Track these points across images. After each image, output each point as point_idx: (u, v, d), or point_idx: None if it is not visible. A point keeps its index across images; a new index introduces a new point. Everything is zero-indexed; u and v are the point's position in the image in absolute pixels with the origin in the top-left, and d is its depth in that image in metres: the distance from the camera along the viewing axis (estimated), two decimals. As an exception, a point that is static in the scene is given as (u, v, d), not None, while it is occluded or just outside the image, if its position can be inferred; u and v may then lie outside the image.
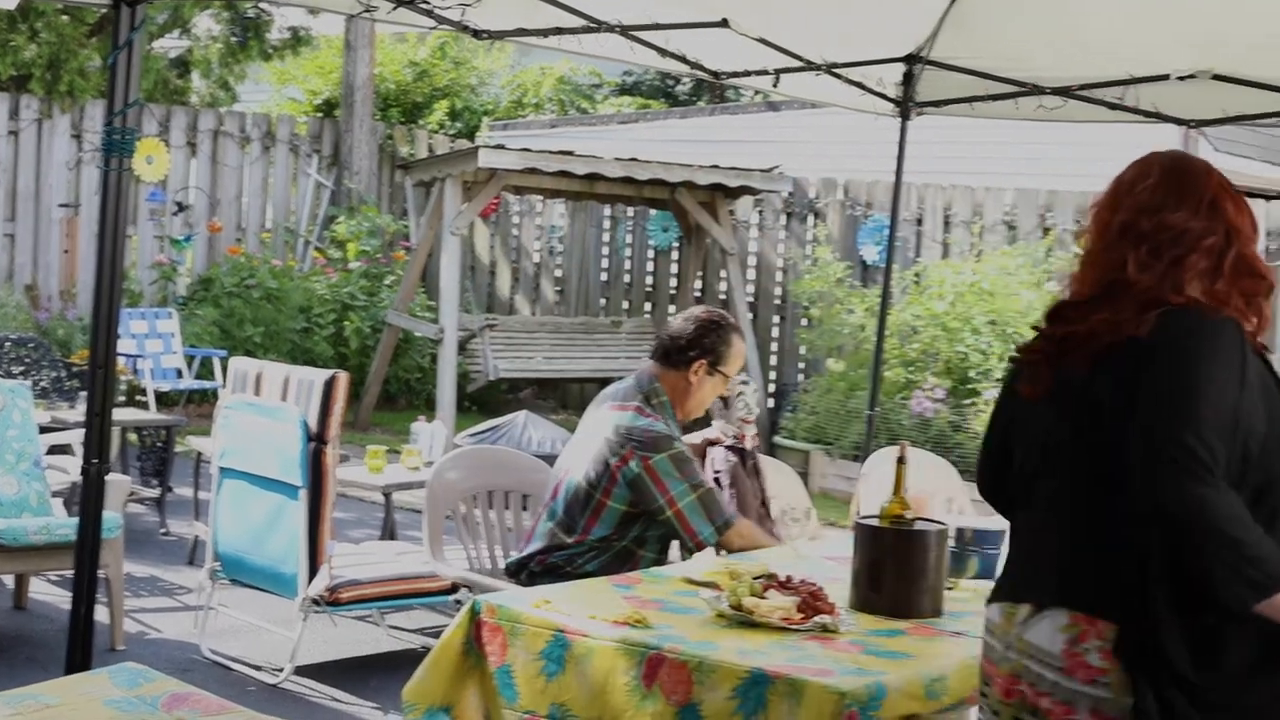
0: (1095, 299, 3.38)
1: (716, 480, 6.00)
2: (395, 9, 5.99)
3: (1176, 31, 6.91)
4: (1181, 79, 7.13)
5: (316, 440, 6.99)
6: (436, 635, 4.53)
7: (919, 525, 4.65)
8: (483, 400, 16.54)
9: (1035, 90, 7.53)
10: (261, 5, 18.54)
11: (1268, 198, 14.04)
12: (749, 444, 6.11)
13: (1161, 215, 3.39)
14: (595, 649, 4.10)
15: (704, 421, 6.15)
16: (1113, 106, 7.47)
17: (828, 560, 5.20)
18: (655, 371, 5.73)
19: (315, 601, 6.93)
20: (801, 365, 15.92)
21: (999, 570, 5.09)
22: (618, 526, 5.51)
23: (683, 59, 7.09)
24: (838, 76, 7.58)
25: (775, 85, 7.54)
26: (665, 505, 5.44)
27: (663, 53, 6.94)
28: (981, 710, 3.53)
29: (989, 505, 3.76)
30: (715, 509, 5.50)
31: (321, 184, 18.04)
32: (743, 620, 4.27)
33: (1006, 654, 3.37)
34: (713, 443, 6.13)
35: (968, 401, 13.01)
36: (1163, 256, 3.35)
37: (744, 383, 6.12)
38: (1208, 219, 3.38)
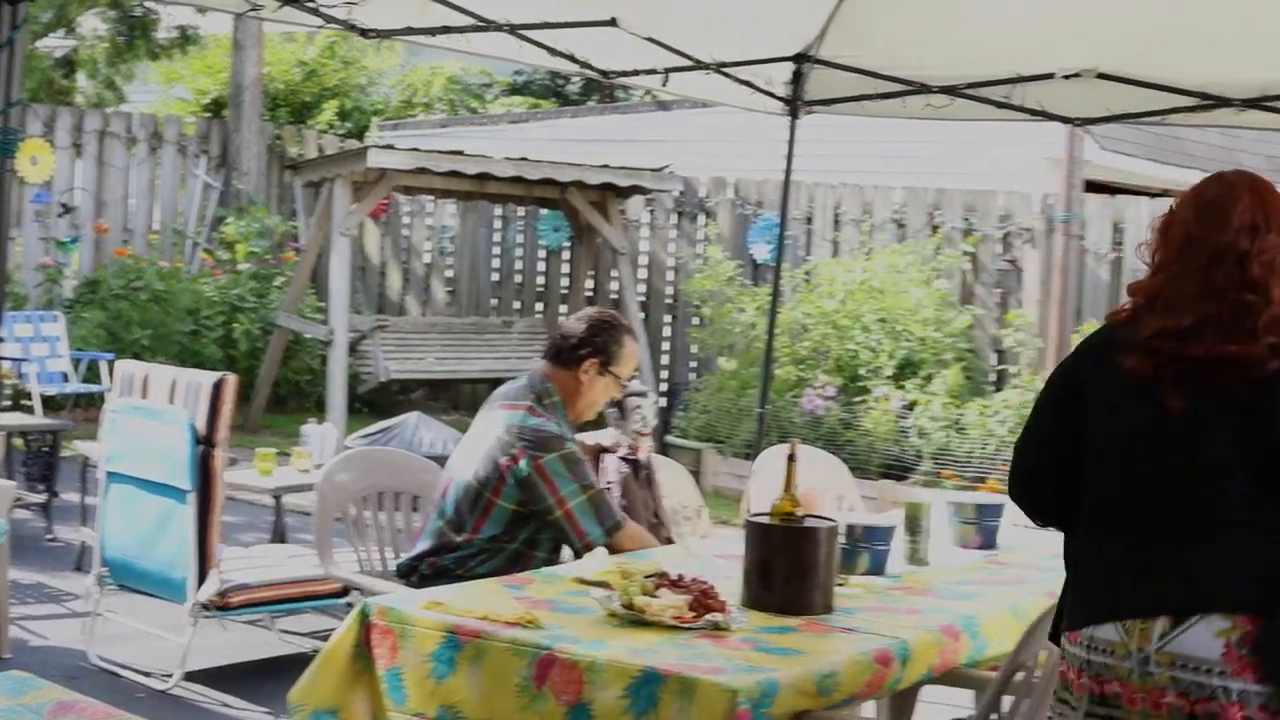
0: (1225, 323, 3.46)
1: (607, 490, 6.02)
2: (281, 8, 5.95)
3: (1061, 31, 6.99)
4: (1067, 78, 7.22)
5: (205, 443, 6.92)
6: (328, 638, 4.49)
7: (809, 522, 4.65)
8: (374, 402, 16.45)
9: (923, 89, 7.59)
10: (148, 4, 18.37)
11: (1152, 195, 14.22)
12: (643, 456, 6.12)
13: (1262, 237, 3.52)
14: (486, 650, 4.09)
15: (598, 423, 6.14)
16: (999, 105, 7.54)
17: (719, 558, 5.20)
18: (547, 371, 5.71)
19: (205, 606, 6.86)
20: (693, 364, 15.97)
21: (890, 567, 5.15)
22: (507, 527, 5.49)
23: (572, 58, 7.09)
24: (727, 76, 7.61)
25: (664, 84, 7.56)
26: (555, 505, 5.42)
27: (552, 52, 6.94)
28: None
29: (1029, 518, 3.86)
30: (605, 510, 5.49)
31: (209, 185, 17.87)
32: (634, 619, 4.26)
33: (1147, 670, 3.38)
34: (607, 450, 6.14)
35: (858, 399, 13.09)
36: (1276, 276, 3.49)
37: (642, 394, 6.13)
38: None
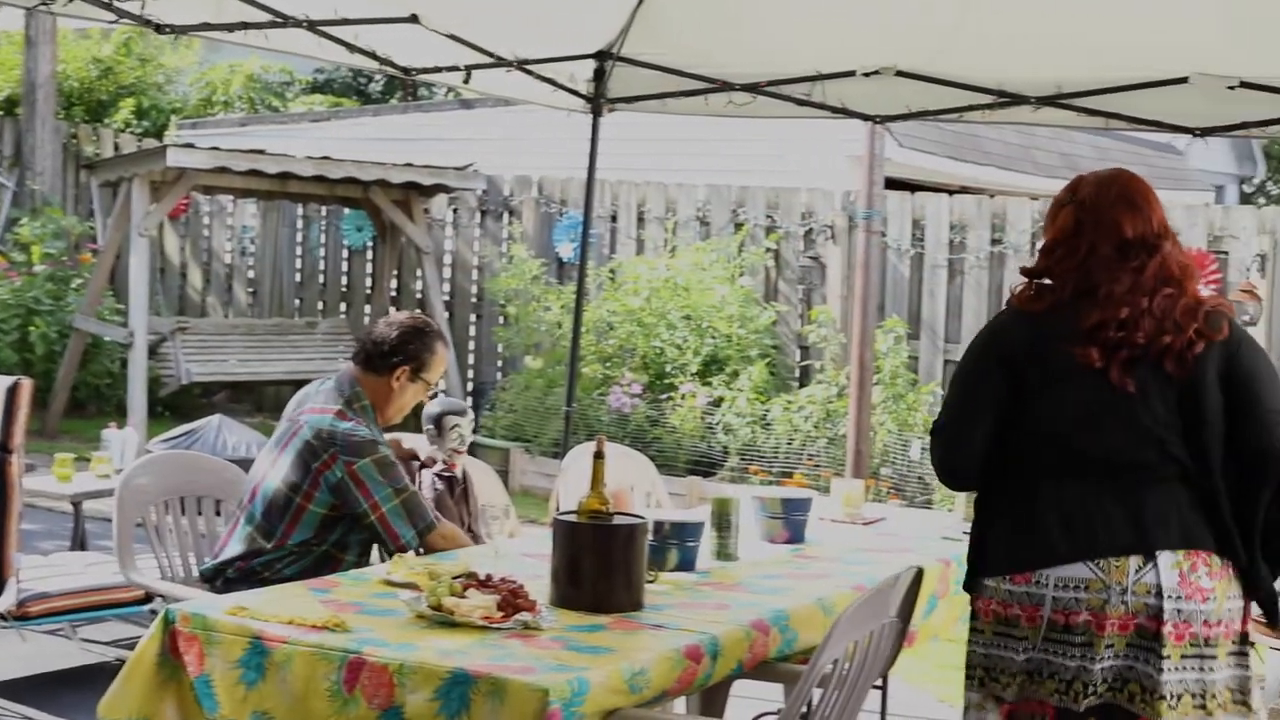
0: (1155, 315, 4.15)
1: None
2: (72, 1, 5.83)
3: (862, 30, 7.06)
4: (867, 75, 7.29)
5: (0, 450, 6.77)
6: (132, 647, 4.40)
7: (618, 519, 4.64)
8: (175, 405, 16.20)
9: (725, 87, 7.62)
10: (-65, 0, 17.93)
11: (950, 192, 14.41)
12: (459, 471, 6.11)
13: (1172, 238, 4.29)
14: (294, 655, 4.03)
15: (407, 425, 6.12)
16: (800, 102, 7.59)
17: (527, 557, 5.18)
18: (356, 375, 5.66)
19: (3, 616, 6.71)
20: (499, 363, 15.92)
21: (699, 563, 5.16)
22: (318, 530, 5.43)
23: (372, 55, 7.01)
24: (529, 73, 7.58)
25: (466, 81, 7.50)
26: (369, 510, 5.38)
27: (351, 48, 6.85)
28: (1057, 651, 4.14)
29: (959, 487, 4.55)
30: (418, 512, 5.45)
31: (3, 185, 17.49)
32: (443, 620, 4.23)
33: (1123, 599, 4.07)
34: (423, 465, 6.12)
35: (664, 396, 13.13)
36: (1186, 274, 4.25)
37: (460, 413, 6.11)
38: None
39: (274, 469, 5.50)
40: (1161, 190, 15.87)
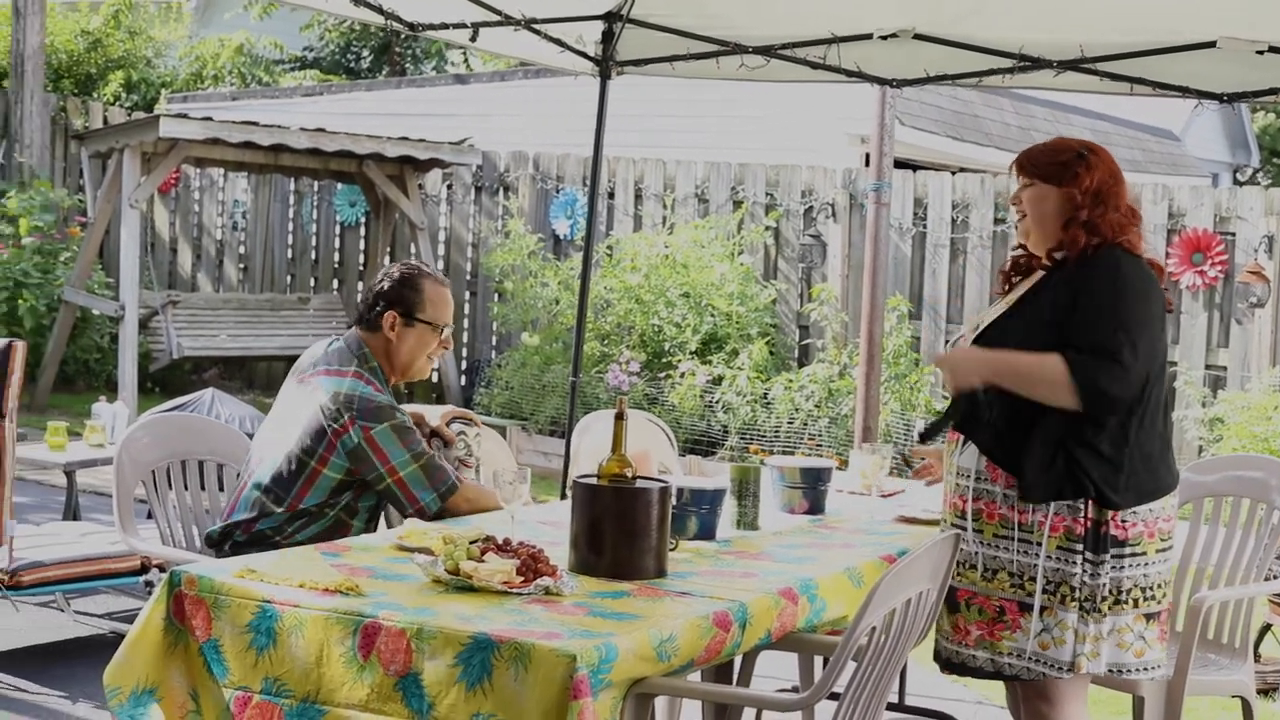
0: None
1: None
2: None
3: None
4: (884, 38, 7.11)
5: (-7, 414, 6.60)
6: (125, 619, 4.25)
7: (640, 483, 4.47)
8: (166, 381, 16.02)
9: (737, 49, 7.43)
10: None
11: (951, 172, 14.26)
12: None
13: None
14: (306, 620, 3.86)
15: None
16: (815, 66, 7.42)
17: (543, 524, 5.02)
18: (360, 335, 5.49)
19: (-4, 583, 6.55)
20: (494, 340, 15.77)
21: (719, 531, 5.01)
22: (331, 494, 5.26)
23: (378, 9, 6.81)
24: (537, 33, 7.39)
25: (474, 39, 7.29)
26: (386, 474, 5.20)
27: (356, 1, 6.65)
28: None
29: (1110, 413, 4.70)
30: (438, 475, 5.28)
31: (-10, 157, 17.29)
32: (461, 585, 4.06)
33: None
34: (433, 433, 5.93)
35: (663, 374, 12.98)
36: None
37: (467, 422, 5.92)
38: None
39: (286, 433, 5.32)
40: (1159, 175, 15.88)
